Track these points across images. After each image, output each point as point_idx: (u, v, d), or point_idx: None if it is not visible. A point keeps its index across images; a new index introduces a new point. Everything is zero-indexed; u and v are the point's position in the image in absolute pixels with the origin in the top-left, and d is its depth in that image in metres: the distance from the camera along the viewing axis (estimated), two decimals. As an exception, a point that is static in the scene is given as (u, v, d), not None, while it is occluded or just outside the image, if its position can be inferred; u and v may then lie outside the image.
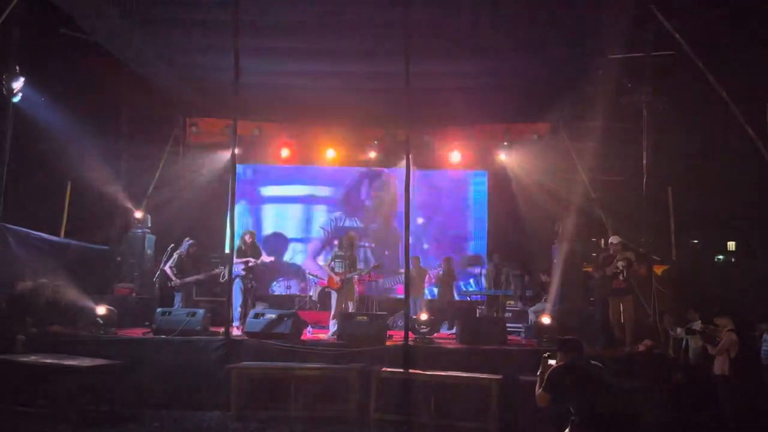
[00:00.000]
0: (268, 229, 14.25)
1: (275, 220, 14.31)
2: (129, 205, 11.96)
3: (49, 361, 7.79)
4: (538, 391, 4.80)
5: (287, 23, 9.43)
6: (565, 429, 4.61)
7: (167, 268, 10.58)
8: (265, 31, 9.63)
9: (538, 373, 4.97)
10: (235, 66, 8.98)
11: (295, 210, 14.36)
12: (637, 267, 9.26)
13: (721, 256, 19.68)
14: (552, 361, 4.89)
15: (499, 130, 13.59)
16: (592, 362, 4.91)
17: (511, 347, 8.86)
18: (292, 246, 14.14)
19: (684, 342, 8.29)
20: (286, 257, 13.79)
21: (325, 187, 14.39)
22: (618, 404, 4.54)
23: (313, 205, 14.35)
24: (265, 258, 10.78)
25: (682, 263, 11.53)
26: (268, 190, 14.49)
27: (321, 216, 14.30)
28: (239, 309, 10.04)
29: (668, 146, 11.31)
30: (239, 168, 14.18)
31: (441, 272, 12.03)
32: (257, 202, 14.42)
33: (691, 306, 8.54)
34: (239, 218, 13.48)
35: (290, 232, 14.25)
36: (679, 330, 8.54)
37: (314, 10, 9.01)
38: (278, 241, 14.03)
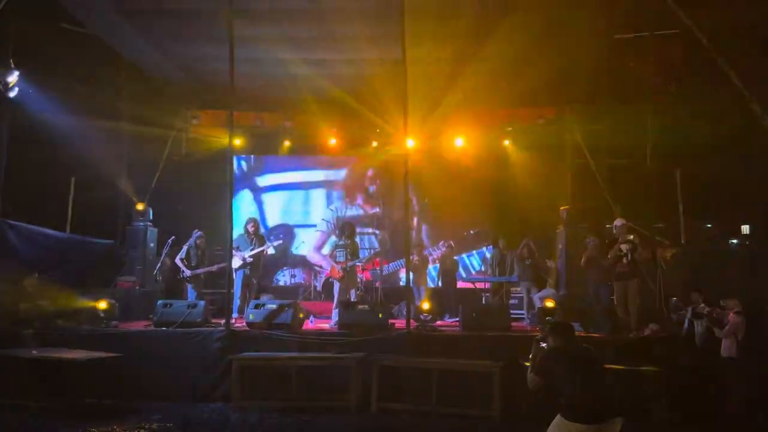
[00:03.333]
0: (273, 218, 14.19)
1: (280, 209, 14.27)
2: (131, 198, 11.95)
3: (49, 354, 7.79)
4: (529, 374, 4.73)
5: (282, 11, 9.36)
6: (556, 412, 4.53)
7: (178, 260, 10.63)
8: (261, 19, 9.56)
9: (530, 357, 4.91)
10: (231, 56, 8.93)
11: (299, 198, 14.29)
12: (642, 250, 9.10)
13: (735, 240, 19.30)
14: (544, 345, 4.82)
15: (504, 114, 13.40)
16: (584, 345, 4.84)
17: (514, 333, 8.75)
18: (298, 233, 14.07)
19: (687, 325, 8.12)
20: (293, 246, 13.71)
21: (329, 176, 14.32)
22: (608, 388, 4.44)
23: (317, 193, 14.29)
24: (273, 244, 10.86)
25: (692, 247, 11.32)
26: (273, 179, 14.42)
27: (325, 203, 14.23)
28: (238, 301, 10.05)
29: (677, 128, 11.10)
30: (243, 159, 14.29)
31: (443, 252, 11.96)
32: (261, 191, 14.35)
33: (695, 289, 8.36)
34: (244, 209, 13.46)
35: (297, 220, 14.20)
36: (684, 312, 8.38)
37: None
38: (284, 231, 13.99)
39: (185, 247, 10.66)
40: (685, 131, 11.08)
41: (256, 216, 13.08)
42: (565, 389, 4.46)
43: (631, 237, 9.07)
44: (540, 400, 6.56)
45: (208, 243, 11.06)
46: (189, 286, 10.57)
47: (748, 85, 8.86)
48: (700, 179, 11.98)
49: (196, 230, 10.91)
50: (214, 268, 10.59)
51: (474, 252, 13.50)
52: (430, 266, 12.53)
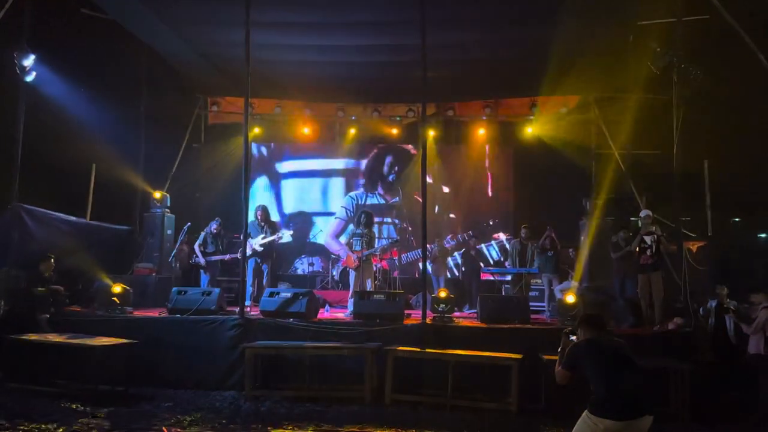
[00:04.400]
0: (291, 205, 14.12)
1: (299, 197, 14.16)
2: (148, 185, 11.92)
3: (63, 340, 7.79)
4: (557, 368, 4.55)
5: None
6: (585, 407, 4.35)
7: (195, 247, 10.62)
8: (280, 4, 9.41)
9: (559, 350, 4.72)
10: (246, 41, 8.80)
11: (318, 186, 14.18)
12: (667, 243, 8.83)
13: (763, 234, 18.82)
14: (573, 337, 4.63)
15: (526, 103, 13.14)
16: (615, 338, 4.63)
17: (533, 326, 8.55)
18: (316, 222, 13.97)
19: (713, 320, 7.86)
20: (311, 234, 13.61)
21: (348, 164, 14.18)
22: (641, 382, 4.24)
23: (335, 181, 14.15)
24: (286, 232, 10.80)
25: (719, 240, 11.00)
26: (291, 167, 14.31)
27: (344, 192, 14.11)
28: (251, 289, 9.99)
29: (705, 118, 10.76)
30: (262, 146, 14.21)
31: (465, 243, 11.79)
32: (279, 179, 14.26)
33: (721, 283, 8.08)
34: (262, 196, 13.39)
35: (315, 208, 14.12)
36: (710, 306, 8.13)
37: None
38: (302, 219, 13.89)
39: (203, 234, 10.67)
40: (713, 122, 10.76)
41: (273, 203, 12.99)
42: (593, 384, 4.29)
43: (654, 228, 8.82)
44: (559, 394, 6.43)
45: (225, 230, 11.04)
46: (202, 273, 10.54)
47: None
48: (729, 171, 11.64)
49: (217, 218, 10.90)
50: (227, 257, 10.61)
51: (493, 242, 13.29)
52: (449, 257, 12.35)
